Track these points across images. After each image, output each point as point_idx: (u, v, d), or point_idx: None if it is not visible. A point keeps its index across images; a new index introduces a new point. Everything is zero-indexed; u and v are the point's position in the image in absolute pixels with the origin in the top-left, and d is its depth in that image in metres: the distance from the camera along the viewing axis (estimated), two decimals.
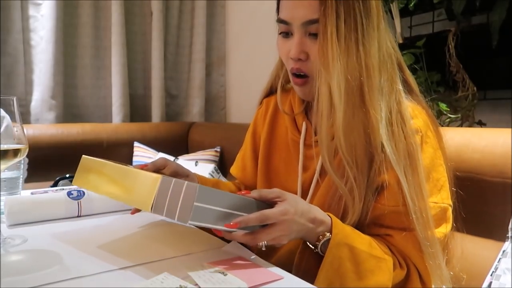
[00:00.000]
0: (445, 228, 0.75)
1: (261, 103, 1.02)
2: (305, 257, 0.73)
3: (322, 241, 0.69)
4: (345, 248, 0.68)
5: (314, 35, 0.75)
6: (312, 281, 0.66)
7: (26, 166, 1.53)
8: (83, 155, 0.77)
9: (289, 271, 0.63)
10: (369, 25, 0.73)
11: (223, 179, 2.02)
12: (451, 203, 0.77)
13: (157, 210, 0.59)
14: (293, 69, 0.80)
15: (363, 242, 0.71)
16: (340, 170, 0.76)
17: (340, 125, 0.73)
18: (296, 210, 0.65)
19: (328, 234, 0.69)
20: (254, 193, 0.67)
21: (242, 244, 0.68)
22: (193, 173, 0.90)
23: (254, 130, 1.02)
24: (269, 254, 0.79)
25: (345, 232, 0.70)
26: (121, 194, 0.67)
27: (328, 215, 0.71)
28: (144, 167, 0.81)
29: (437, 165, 0.77)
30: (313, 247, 0.71)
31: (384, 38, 0.77)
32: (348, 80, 0.72)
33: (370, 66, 0.73)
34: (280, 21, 0.79)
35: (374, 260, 0.70)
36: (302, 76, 0.80)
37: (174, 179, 0.59)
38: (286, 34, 0.80)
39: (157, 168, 0.84)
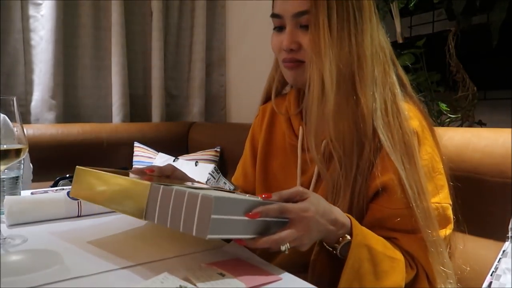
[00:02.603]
0: (447, 228, 0.76)
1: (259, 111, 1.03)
2: (320, 259, 0.73)
3: (342, 243, 0.69)
4: (365, 249, 0.68)
5: (306, 27, 0.77)
6: (326, 282, 0.66)
7: (31, 169, 1.54)
8: (77, 166, 0.75)
9: (294, 271, 0.63)
10: (361, 18, 0.76)
11: (223, 179, 2.01)
12: (450, 202, 0.78)
13: (161, 221, 0.58)
14: (285, 59, 0.81)
15: (378, 242, 0.71)
16: (325, 158, 0.79)
17: (331, 112, 0.75)
18: (318, 209, 0.65)
19: (348, 237, 0.69)
20: (275, 196, 0.66)
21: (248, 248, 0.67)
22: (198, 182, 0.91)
23: (252, 138, 1.02)
24: (272, 254, 0.79)
25: (364, 233, 0.70)
26: (117, 204, 0.66)
27: (348, 217, 0.71)
28: (150, 171, 0.81)
29: (436, 165, 0.78)
30: (331, 249, 0.71)
31: (377, 32, 0.79)
32: (340, 69, 0.75)
33: (363, 57, 0.76)
34: (273, 15, 0.81)
35: (389, 260, 0.70)
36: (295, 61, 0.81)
37: (188, 190, 0.56)
38: (280, 29, 0.82)
39: (163, 174, 0.83)
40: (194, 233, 0.54)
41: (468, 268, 0.83)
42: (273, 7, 0.82)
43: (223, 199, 0.55)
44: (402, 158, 0.73)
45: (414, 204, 0.71)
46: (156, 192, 0.59)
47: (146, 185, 0.61)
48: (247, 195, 0.69)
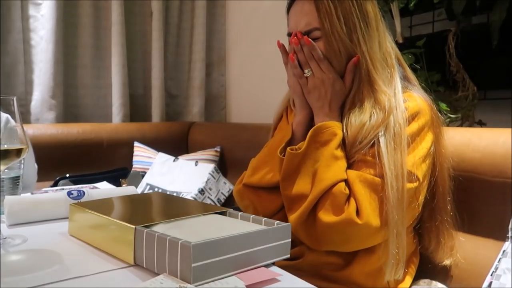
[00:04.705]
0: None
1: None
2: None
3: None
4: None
5: (317, 38, 0.85)
6: None
7: (36, 169, 1.54)
8: (70, 204, 0.76)
9: None
10: (367, 27, 0.83)
11: (223, 179, 2.02)
12: (421, 179, 0.81)
13: (149, 265, 0.58)
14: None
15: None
16: None
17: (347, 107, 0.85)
18: None
19: None
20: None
21: None
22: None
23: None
24: None
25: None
26: (109, 247, 0.66)
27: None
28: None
29: (419, 144, 0.82)
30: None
31: (384, 38, 0.87)
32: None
33: (374, 60, 0.83)
34: (288, 34, 0.89)
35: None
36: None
37: (168, 238, 0.54)
38: None
39: None
40: (179, 278, 0.53)
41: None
42: (288, 24, 0.91)
43: (202, 245, 0.52)
44: (392, 141, 0.79)
45: (389, 184, 0.76)
46: (140, 236, 0.59)
47: (130, 228, 0.60)
48: (240, 214, 0.69)
